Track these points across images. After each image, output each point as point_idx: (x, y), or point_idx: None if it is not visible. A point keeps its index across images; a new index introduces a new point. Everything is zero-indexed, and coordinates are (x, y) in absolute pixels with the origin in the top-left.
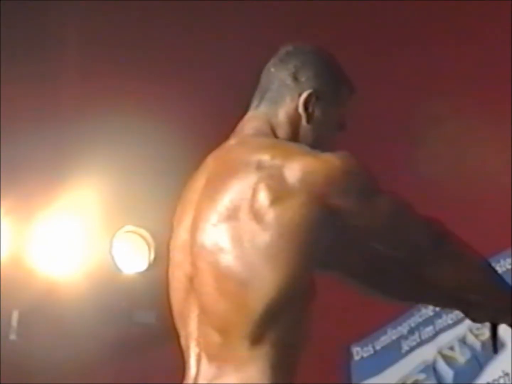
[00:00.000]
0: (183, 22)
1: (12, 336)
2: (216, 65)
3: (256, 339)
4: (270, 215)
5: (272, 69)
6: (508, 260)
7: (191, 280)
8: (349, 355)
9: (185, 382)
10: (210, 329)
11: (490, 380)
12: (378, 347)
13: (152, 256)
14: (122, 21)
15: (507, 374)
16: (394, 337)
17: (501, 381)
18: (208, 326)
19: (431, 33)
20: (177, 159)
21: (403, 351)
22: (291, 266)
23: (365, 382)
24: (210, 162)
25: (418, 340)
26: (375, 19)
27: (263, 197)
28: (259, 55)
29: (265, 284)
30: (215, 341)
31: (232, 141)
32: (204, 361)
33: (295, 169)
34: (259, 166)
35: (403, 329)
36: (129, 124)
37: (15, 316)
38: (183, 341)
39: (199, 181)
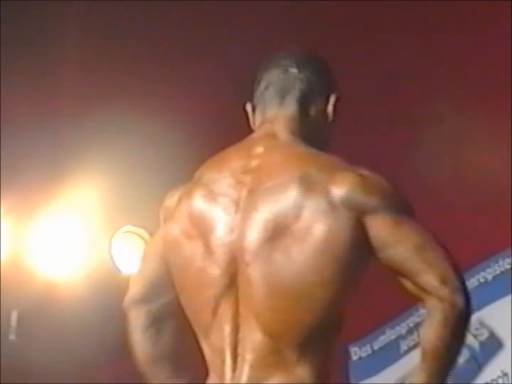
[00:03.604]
0: (185, 19)
1: (12, 336)
2: (218, 64)
3: (304, 346)
4: (316, 233)
5: (293, 70)
6: (508, 260)
7: (232, 285)
8: (347, 355)
9: (218, 382)
10: (259, 333)
11: (488, 380)
12: (376, 347)
13: None
14: (122, 18)
15: (506, 374)
16: (392, 337)
17: (500, 381)
18: (256, 331)
19: (432, 33)
20: (177, 159)
21: (402, 351)
22: (339, 287)
23: (364, 382)
24: (251, 169)
25: (417, 340)
26: (377, 19)
27: (308, 215)
28: (260, 54)
29: (317, 303)
30: (263, 344)
31: (264, 144)
32: (247, 363)
33: (340, 185)
34: (305, 180)
35: (401, 329)
36: (129, 123)
37: (14, 316)
38: (212, 342)
39: (237, 187)
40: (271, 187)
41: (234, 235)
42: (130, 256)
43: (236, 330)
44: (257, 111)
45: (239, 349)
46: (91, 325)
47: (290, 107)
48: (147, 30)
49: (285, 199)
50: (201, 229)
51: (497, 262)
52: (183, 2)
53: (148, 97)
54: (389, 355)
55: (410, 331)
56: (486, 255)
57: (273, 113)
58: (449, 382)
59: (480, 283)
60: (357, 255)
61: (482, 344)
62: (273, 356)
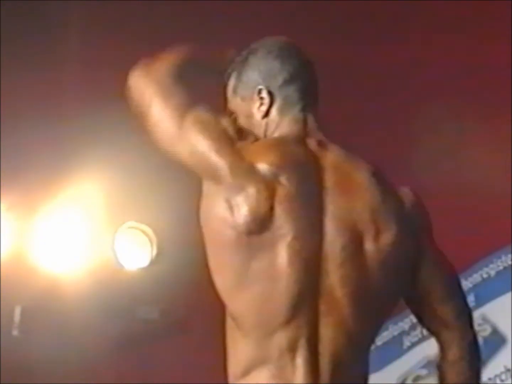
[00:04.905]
0: (187, 17)
1: (15, 332)
2: None
3: (369, 347)
4: (390, 238)
5: (309, 67)
6: (509, 256)
7: (316, 283)
8: None
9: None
10: (340, 334)
11: (491, 376)
12: (379, 343)
13: (155, 252)
14: (125, 15)
15: (508, 370)
16: (395, 333)
17: (503, 376)
18: (338, 332)
19: (432, 35)
20: None
21: (405, 346)
22: (399, 294)
23: None
24: (320, 167)
25: (420, 335)
26: (375, 20)
27: (384, 217)
28: None
29: (389, 307)
30: (345, 346)
31: (315, 143)
32: (331, 364)
33: (407, 197)
34: (379, 181)
35: (404, 324)
36: (132, 119)
37: (17, 312)
38: (281, 341)
39: (313, 183)
40: (351, 186)
41: (320, 233)
42: (133, 252)
43: (315, 331)
44: (276, 104)
45: (320, 349)
46: (94, 321)
47: (312, 111)
48: (150, 27)
49: (369, 198)
50: (281, 220)
51: (500, 258)
52: (186, 2)
53: None
54: (392, 351)
55: (413, 327)
56: (488, 251)
57: (302, 115)
58: None
59: (483, 279)
60: (414, 267)
61: (485, 339)
62: (351, 359)
